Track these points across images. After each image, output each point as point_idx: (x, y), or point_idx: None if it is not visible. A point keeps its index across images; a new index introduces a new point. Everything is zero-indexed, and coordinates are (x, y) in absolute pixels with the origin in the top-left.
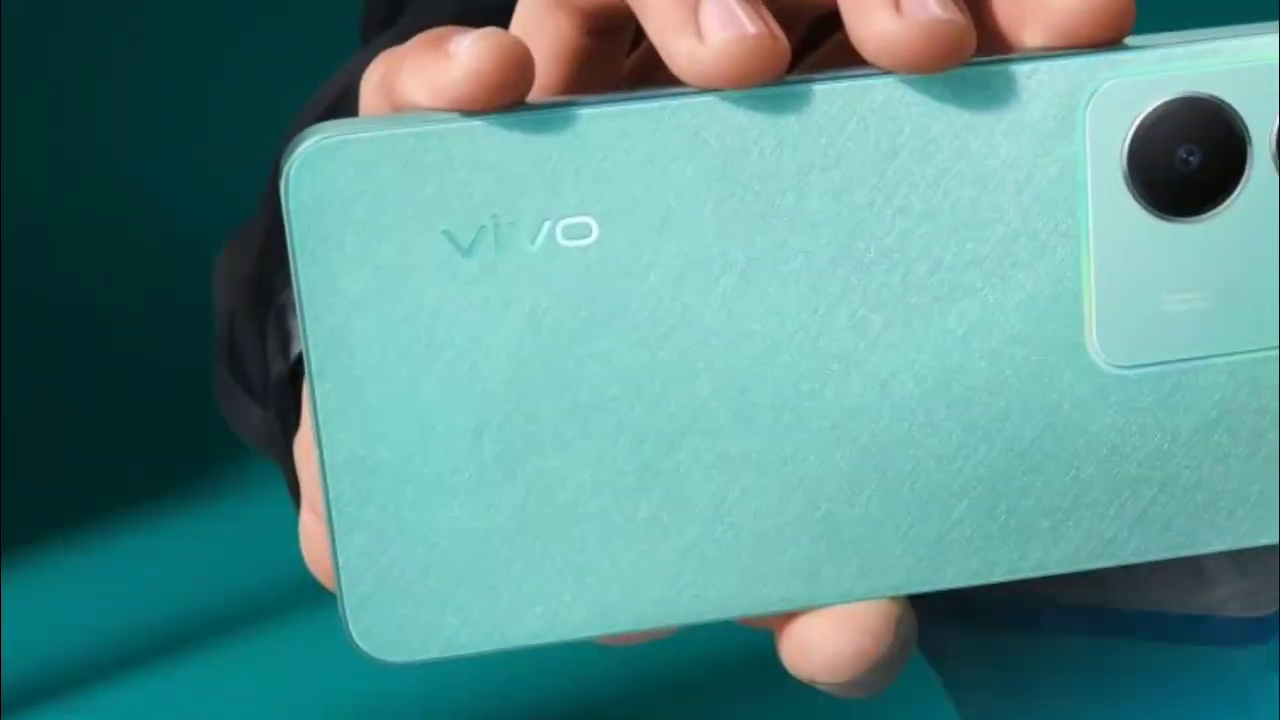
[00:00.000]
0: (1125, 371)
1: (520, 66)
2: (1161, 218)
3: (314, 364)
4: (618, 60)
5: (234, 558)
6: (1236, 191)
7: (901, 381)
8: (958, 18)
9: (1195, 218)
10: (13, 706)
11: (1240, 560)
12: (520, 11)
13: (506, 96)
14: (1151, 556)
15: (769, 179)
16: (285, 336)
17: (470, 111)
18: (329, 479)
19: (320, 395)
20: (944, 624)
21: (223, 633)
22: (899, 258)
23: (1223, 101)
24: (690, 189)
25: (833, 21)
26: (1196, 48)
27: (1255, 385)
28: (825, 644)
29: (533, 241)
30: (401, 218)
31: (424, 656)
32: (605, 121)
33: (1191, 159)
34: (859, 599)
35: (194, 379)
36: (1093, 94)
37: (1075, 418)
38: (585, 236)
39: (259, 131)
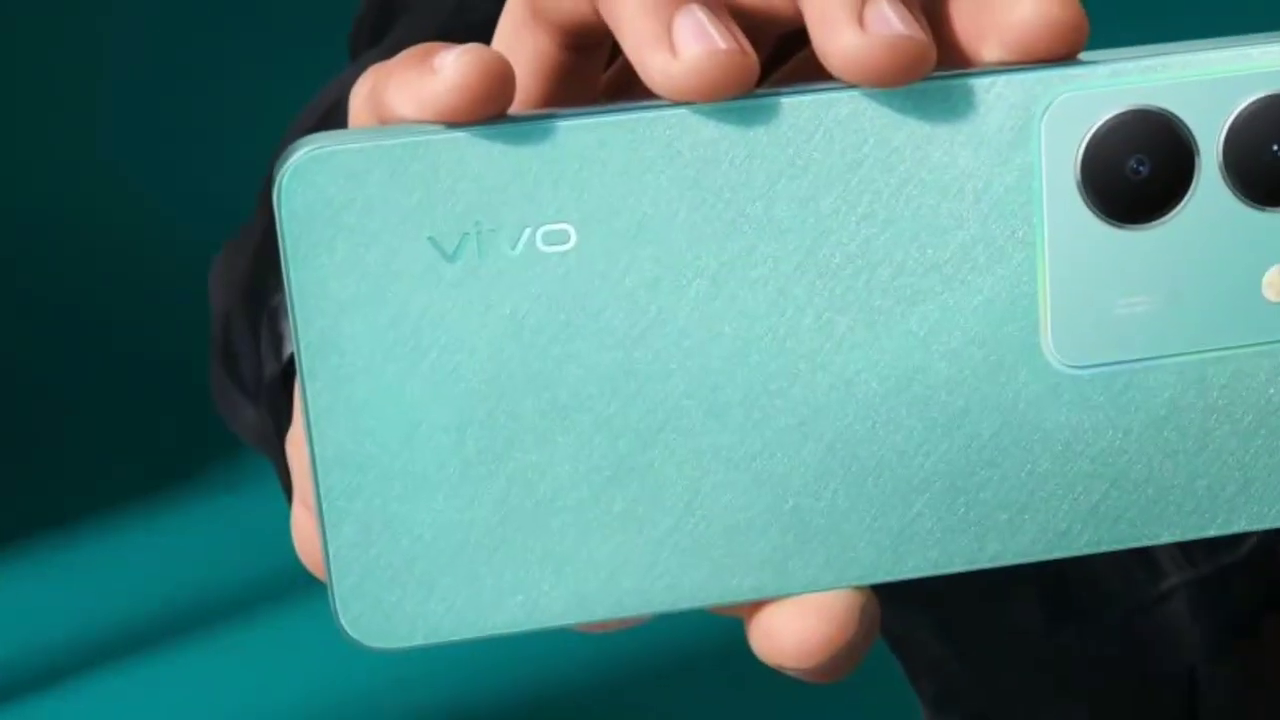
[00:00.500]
0: (1078, 371)
1: (502, 80)
2: (1113, 225)
3: (305, 364)
4: (595, 75)
5: (229, 549)
6: (1184, 200)
7: (865, 381)
8: (919, 34)
9: (1145, 225)
10: (8, 695)
11: (1189, 550)
12: (502, 28)
13: (489, 109)
14: (1104, 548)
15: (739, 188)
16: (278, 339)
17: (454, 123)
18: (319, 474)
19: (311, 394)
20: (905, 610)
21: (218, 621)
22: (863, 263)
23: (1171, 114)
24: (664, 197)
25: (800, 38)
26: (1146, 63)
27: (1202, 384)
28: (793, 631)
29: (514, 247)
30: (389, 224)
31: (410, 643)
32: (583, 133)
33: (1141, 169)
34: (825, 588)
35: (191, 377)
36: (1048, 107)
37: (1031, 415)
38: (564, 243)
39: (258, 134)
